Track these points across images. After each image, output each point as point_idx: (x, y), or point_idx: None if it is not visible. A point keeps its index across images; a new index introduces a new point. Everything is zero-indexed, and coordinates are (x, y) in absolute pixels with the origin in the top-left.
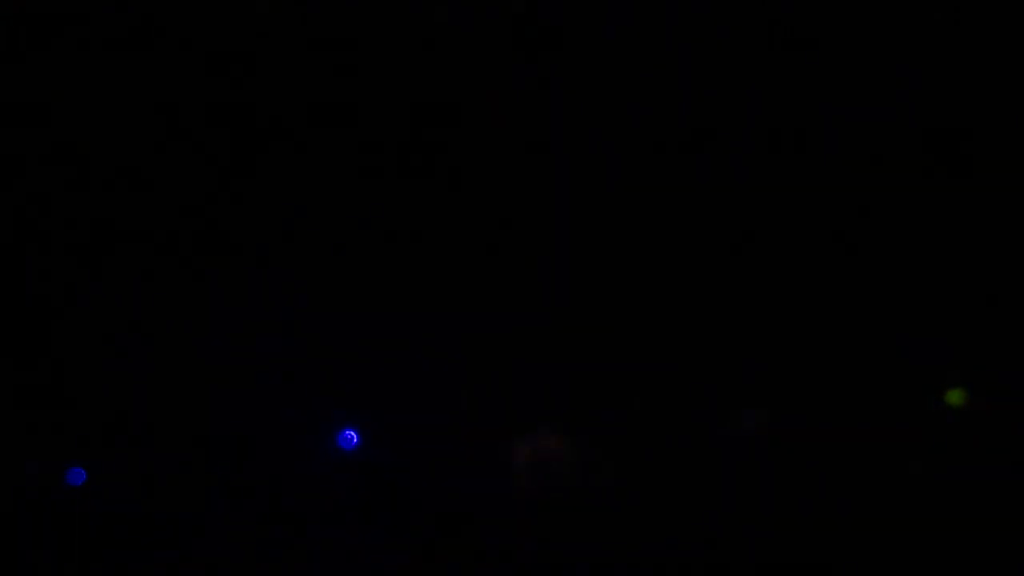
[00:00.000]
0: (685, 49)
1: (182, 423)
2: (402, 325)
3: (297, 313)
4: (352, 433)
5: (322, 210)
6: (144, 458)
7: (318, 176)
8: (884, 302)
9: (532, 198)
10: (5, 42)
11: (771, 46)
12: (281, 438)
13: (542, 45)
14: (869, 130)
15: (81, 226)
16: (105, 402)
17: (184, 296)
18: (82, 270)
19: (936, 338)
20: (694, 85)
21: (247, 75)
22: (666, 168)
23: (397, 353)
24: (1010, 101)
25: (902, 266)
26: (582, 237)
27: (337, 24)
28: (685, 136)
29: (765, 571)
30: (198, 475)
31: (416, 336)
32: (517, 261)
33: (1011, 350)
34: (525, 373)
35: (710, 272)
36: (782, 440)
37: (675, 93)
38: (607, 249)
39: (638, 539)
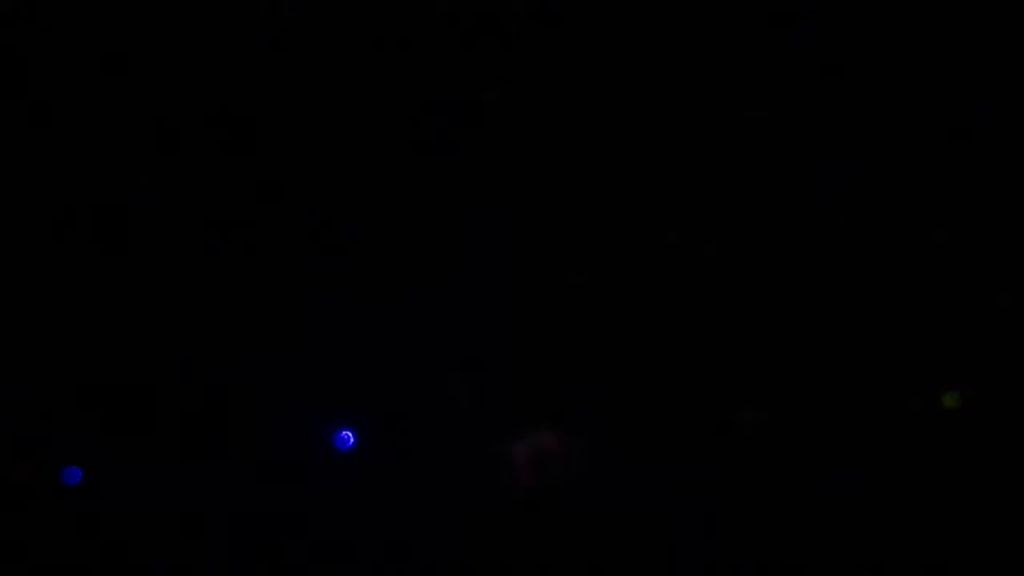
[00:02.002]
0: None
1: (177, 422)
2: (401, 324)
3: (295, 312)
4: (348, 433)
5: (321, 208)
6: (137, 456)
7: (316, 174)
8: (884, 302)
9: (532, 197)
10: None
11: (770, 46)
12: (279, 437)
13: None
14: (869, 131)
15: (77, 222)
16: (100, 400)
17: (182, 295)
18: (77, 265)
19: (935, 338)
20: (695, 83)
21: (244, 73)
22: (665, 167)
23: (396, 352)
24: (1010, 101)
25: (903, 266)
26: (581, 236)
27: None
28: (686, 134)
29: (765, 570)
30: (193, 474)
31: (415, 335)
32: (516, 261)
33: (1011, 350)
34: (525, 373)
35: (710, 271)
36: (781, 440)
37: (677, 91)
38: (607, 249)
39: (637, 537)
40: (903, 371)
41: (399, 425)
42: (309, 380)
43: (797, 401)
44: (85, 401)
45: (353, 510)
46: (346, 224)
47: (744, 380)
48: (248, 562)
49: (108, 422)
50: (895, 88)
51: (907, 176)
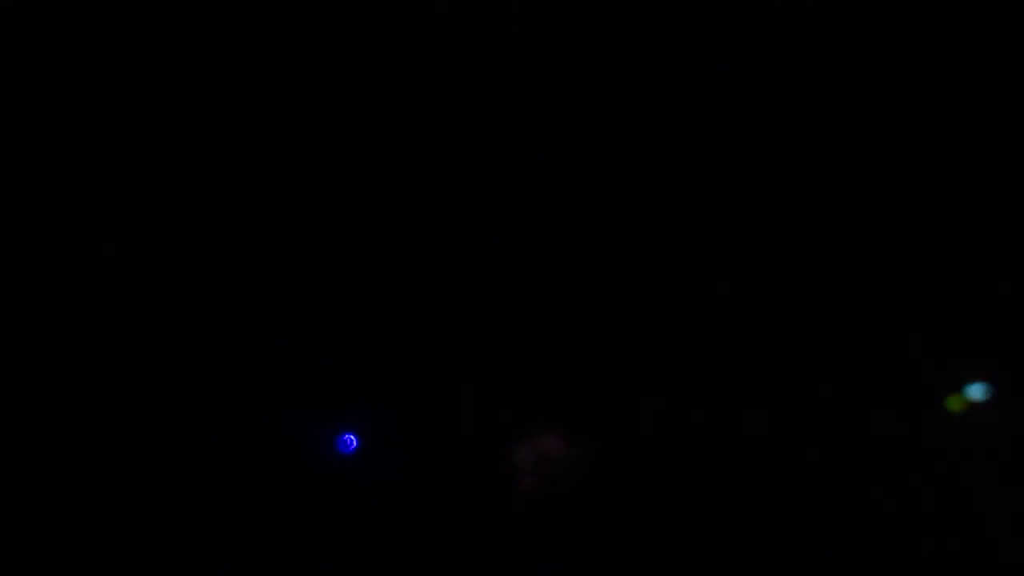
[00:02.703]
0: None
1: (177, 426)
2: (401, 326)
3: (294, 314)
4: (351, 436)
5: (318, 209)
6: (138, 460)
7: (319, 175)
8: (885, 304)
9: (531, 199)
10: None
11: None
12: (279, 441)
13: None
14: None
15: (75, 229)
16: (101, 405)
17: (184, 297)
18: (79, 265)
19: (938, 341)
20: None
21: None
22: (665, 168)
23: (398, 354)
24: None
25: (903, 267)
26: (583, 238)
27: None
28: (685, 135)
29: (766, 571)
30: (193, 479)
31: (417, 337)
32: (517, 263)
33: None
34: (525, 373)
35: (712, 272)
36: (783, 441)
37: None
38: (610, 251)
39: (638, 539)
40: (905, 374)
41: (402, 427)
42: (311, 382)
43: (798, 404)
44: (87, 403)
45: (354, 511)
46: (349, 225)
47: (745, 383)
48: (251, 563)
49: (111, 424)
50: (895, 88)
51: (907, 176)
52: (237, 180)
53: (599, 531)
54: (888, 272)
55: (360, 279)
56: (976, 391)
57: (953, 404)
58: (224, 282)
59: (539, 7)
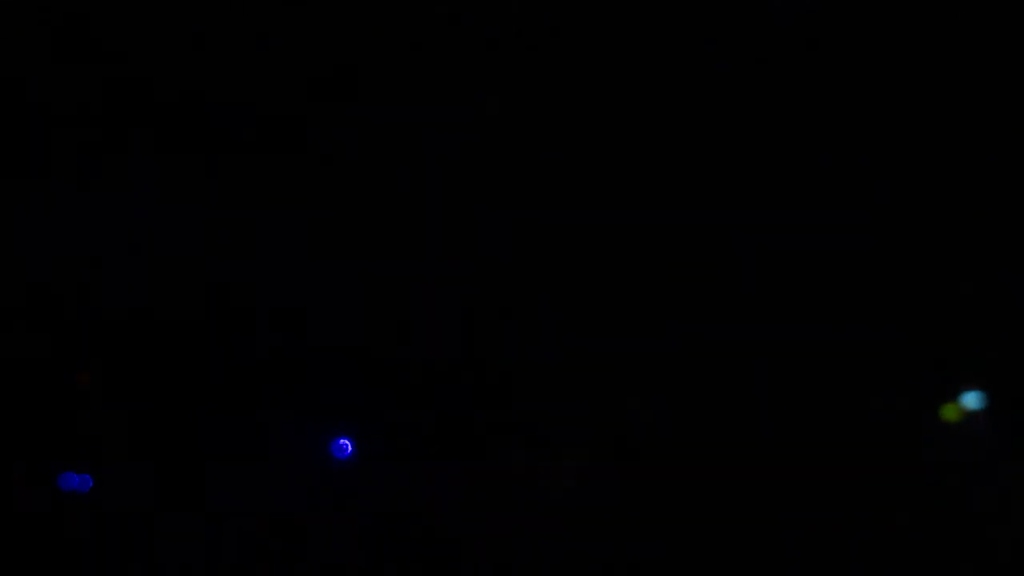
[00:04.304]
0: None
1: (175, 429)
2: (402, 327)
3: (294, 318)
4: (346, 442)
5: (318, 211)
6: (135, 465)
7: (319, 177)
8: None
9: (532, 203)
10: None
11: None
12: (277, 445)
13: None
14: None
15: (78, 232)
16: (100, 406)
17: (180, 299)
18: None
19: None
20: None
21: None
22: (667, 168)
23: (397, 356)
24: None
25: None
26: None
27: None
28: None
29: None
30: (189, 483)
31: (416, 337)
32: (516, 266)
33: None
34: (527, 380)
35: (712, 276)
36: (780, 448)
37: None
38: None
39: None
40: (903, 380)
41: (399, 432)
42: (310, 386)
43: (796, 410)
44: (86, 403)
45: (353, 514)
46: (347, 230)
47: (743, 388)
48: (251, 564)
49: (111, 424)
50: (894, 88)
51: (906, 178)
52: (237, 180)
53: (594, 535)
54: (884, 281)
55: (362, 282)
56: (972, 400)
57: (949, 413)
58: (222, 285)
59: (540, 7)
